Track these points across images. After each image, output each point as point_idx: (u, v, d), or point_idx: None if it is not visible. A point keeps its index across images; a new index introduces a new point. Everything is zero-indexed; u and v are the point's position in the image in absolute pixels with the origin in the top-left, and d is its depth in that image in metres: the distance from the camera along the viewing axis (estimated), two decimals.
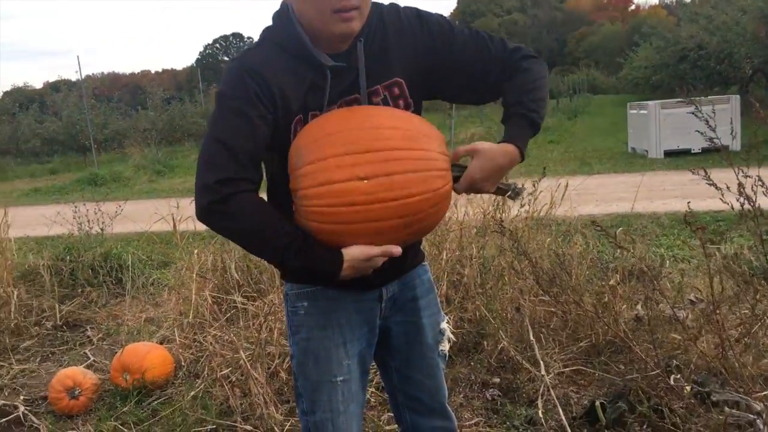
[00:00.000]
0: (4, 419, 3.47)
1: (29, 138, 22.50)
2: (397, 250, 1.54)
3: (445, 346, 1.88)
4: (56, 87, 31.85)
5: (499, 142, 1.61)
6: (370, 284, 1.71)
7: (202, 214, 1.51)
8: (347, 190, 1.44)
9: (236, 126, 1.51)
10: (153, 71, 65.93)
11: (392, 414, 2.93)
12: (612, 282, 3.38)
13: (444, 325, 1.89)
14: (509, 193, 1.65)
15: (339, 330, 1.72)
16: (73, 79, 26.45)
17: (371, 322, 1.78)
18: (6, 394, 3.84)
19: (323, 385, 1.72)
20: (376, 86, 1.62)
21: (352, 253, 1.52)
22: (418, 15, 1.67)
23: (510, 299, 3.59)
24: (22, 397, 3.73)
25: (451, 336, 1.91)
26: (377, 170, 1.44)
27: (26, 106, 26.36)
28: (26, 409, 3.54)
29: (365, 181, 1.43)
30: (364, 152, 1.45)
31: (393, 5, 1.69)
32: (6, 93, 29.51)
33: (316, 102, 1.57)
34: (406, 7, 1.68)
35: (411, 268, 1.82)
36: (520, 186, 1.66)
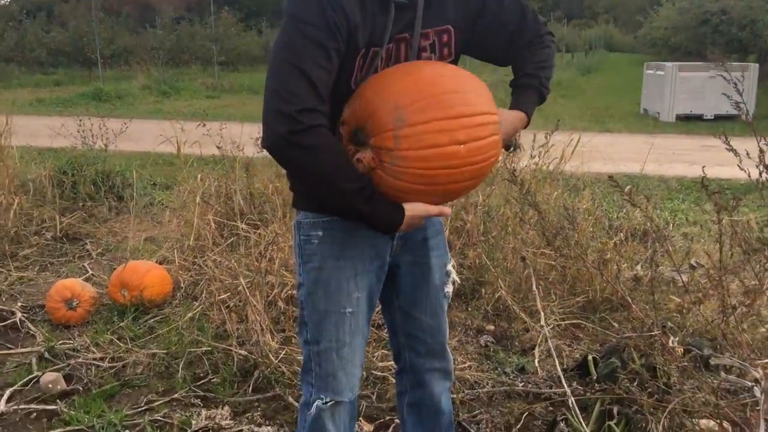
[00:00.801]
0: (1, 324, 3.51)
1: (35, 47, 22.13)
2: (448, 211, 1.64)
3: (450, 288, 1.90)
4: None
5: (512, 107, 1.73)
6: None
7: (276, 144, 1.43)
8: (448, 154, 1.48)
9: (315, 56, 1.43)
10: None
11: (386, 352, 2.97)
12: (615, 240, 3.38)
13: (450, 266, 1.90)
14: (511, 148, 1.79)
15: (351, 262, 1.71)
16: None
17: (383, 258, 1.77)
18: (3, 299, 3.88)
19: (331, 315, 1.72)
20: (428, 29, 1.60)
21: (415, 209, 1.55)
22: None
23: (512, 249, 3.60)
24: (19, 304, 3.77)
25: (456, 278, 1.93)
26: (471, 135, 1.50)
27: (33, 14, 25.87)
28: (23, 316, 3.58)
29: (462, 146, 1.48)
30: (459, 117, 1.49)
31: None
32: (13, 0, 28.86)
33: (377, 38, 1.54)
34: None
35: None
36: (516, 141, 1.79)
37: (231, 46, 24.99)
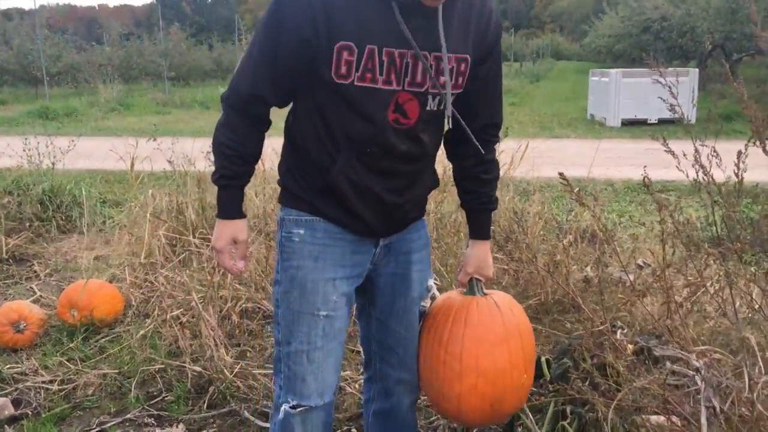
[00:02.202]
0: None
1: None
2: (240, 268, 1.78)
3: (427, 303, 1.90)
4: (8, 15, 30.47)
5: (477, 237, 1.93)
6: (372, 232, 1.73)
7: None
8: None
9: (265, 42, 1.59)
10: (111, 5, 63.41)
11: (344, 361, 2.97)
12: (565, 242, 3.44)
13: (431, 282, 1.91)
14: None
15: (331, 265, 1.71)
16: (26, 8, 25.27)
17: (362, 265, 1.78)
18: None
19: (305, 317, 1.71)
20: (450, 54, 1.60)
21: (221, 236, 1.73)
22: (496, 16, 1.72)
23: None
24: None
25: (437, 293, 1.92)
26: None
27: None
28: None
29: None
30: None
31: None
32: None
33: (377, 37, 1.52)
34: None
35: (412, 221, 1.83)
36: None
37: (181, 61, 24.77)
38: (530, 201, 4.22)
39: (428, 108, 1.63)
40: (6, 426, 2.71)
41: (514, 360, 1.83)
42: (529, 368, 1.90)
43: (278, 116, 1.73)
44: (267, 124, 1.70)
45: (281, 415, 1.76)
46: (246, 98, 1.61)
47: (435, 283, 1.92)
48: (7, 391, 2.98)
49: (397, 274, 1.83)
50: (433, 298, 1.91)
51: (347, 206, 1.68)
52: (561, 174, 2.33)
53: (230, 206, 1.72)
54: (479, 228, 1.92)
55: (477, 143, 1.74)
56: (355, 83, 1.54)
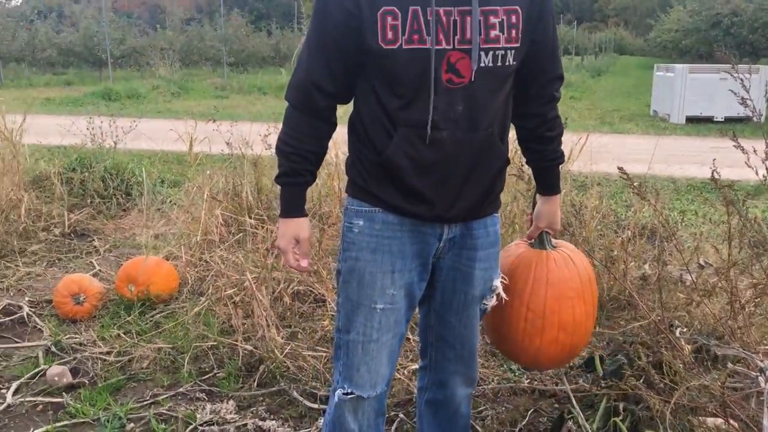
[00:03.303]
0: (8, 318, 3.53)
1: (46, 47, 22.24)
2: (305, 266, 1.80)
3: (491, 302, 1.85)
4: None
5: (547, 192, 1.94)
6: (436, 216, 1.68)
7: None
8: None
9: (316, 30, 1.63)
10: None
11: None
12: (623, 238, 3.36)
13: (497, 282, 1.84)
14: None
15: (390, 257, 1.69)
16: None
17: (425, 257, 1.74)
18: (11, 294, 3.90)
19: (362, 308, 1.71)
20: (496, 6, 1.56)
21: (285, 234, 1.75)
22: None
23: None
24: (27, 299, 3.78)
25: (504, 294, 1.86)
26: None
27: (44, 14, 26.01)
28: (30, 311, 3.60)
29: None
30: None
31: None
32: (25, 0, 28.99)
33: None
34: None
35: (483, 215, 1.77)
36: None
37: (240, 47, 25.08)
38: (588, 195, 4.13)
39: (482, 65, 1.57)
40: (64, 393, 2.79)
41: (589, 309, 1.97)
42: (596, 312, 2.08)
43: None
44: (330, 123, 1.70)
45: (335, 399, 1.77)
46: (305, 90, 1.62)
47: (502, 282, 1.86)
48: (66, 360, 3.08)
49: (458, 270, 1.78)
50: (499, 299, 1.86)
51: (407, 186, 1.63)
52: (621, 168, 2.27)
53: (291, 205, 1.74)
54: (549, 183, 1.93)
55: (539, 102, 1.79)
56: (403, 47, 1.53)
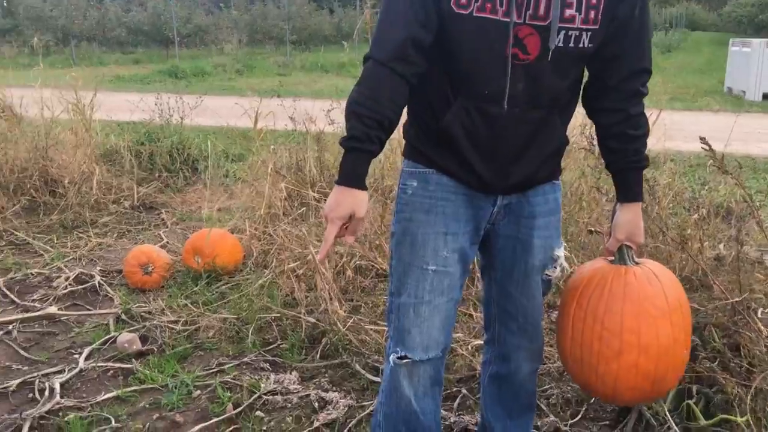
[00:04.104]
0: (81, 286, 3.64)
1: (115, 26, 22.84)
2: (350, 240, 1.61)
3: (554, 273, 1.78)
4: None
5: (627, 199, 1.74)
6: (488, 186, 1.64)
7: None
8: None
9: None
10: None
11: (456, 324, 2.94)
12: (696, 216, 3.22)
13: (559, 252, 1.77)
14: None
15: (443, 218, 1.66)
16: None
17: (478, 221, 1.70)
18: (84, 264, 4.02)
19: (414, 269, 1.68)
20: None
21: (339, 204, 1.54)
22: None
23: (586, 224, 3.49)
24: (98, 268, 3.90)
25: (566, 265, 1.78)
26: None
27: None
28: (102, 280, 3.71)
29: None
30: None
31: None
32: None
33: None
34: None
35: (539, 183, 1.71)
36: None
37: (302, 25, 25.20)
38: (660, 171, 3.98)
39: (551, 45, 1.49)
40: (134, 359, 2.87)
41: (678, 334, 1.70)
42: (689, 342, 1.78)
43: None
44: (410, 88, 1.57)
45: (390, 364, 1.75)
46: (400, 43, 1.50)
47: (565, 252, 1.79)
48: (135, 327, 3.16)
49: (517, 238, 1.73)
50: (562, 269, 1.78)
51: (460, 156, 1.61)
52: (703, 140, 2.16)
53: (353, 174, 1.53)
54: (629, 189, 1.74)
55: (621, 93, 1.62)
56: (474, 14, 1.48)
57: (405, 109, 1.64)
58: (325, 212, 1.57)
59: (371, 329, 2.95)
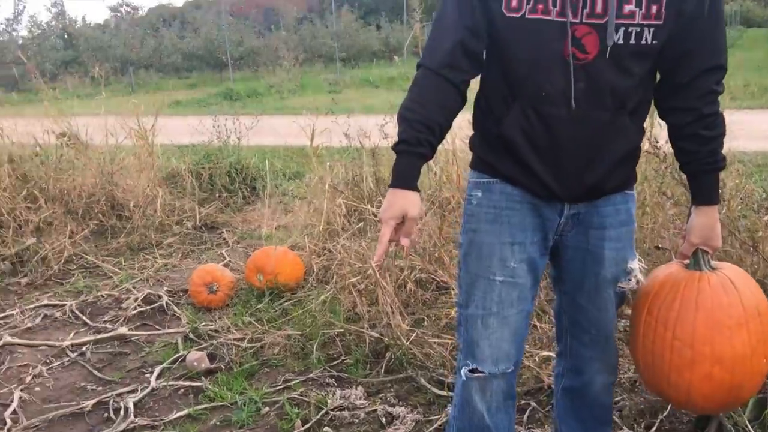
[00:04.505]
0: (149, 306, 3.74)
1: (171, 53, 23.53)
2: (406, 243, 1.60)
3: (629, 285, 1.72)
4: (197, 4, 32.92)
5: (702, 202, 1.66)
6: (553, 194, 1.61)
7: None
8: None
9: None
10: None
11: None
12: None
13: (633, 264, 1.71)
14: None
15: (509, 228, 1.64)
16: None
17: (546, 231, 1.68)
18: (151, 284, 4.13)
19: (481, 280, 1.67)
20: None
21: (392, 206, 1.55)
22: None
23: (650, 229, 3.40)
24: (165, 289, 4.00)
25: (641, 277, 1.73)
26: None
27: (169, 22, 27.49)
28: (169, 300, 3.80)
29: None
30: None
31: None
32: (150, 9, 30.75)
33: None
34: None
35: (609, 192, 1.66)
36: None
37: (350, 42, 25.49)
38: (728, 172, 3.86)
39: (609, 42, 1.46)
40: (203, 377, 2.93)
41: (756, 344, 1.63)
42: None
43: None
44: (462, 96, 1.59)
45: (462, 378, 1.74)
46: (449, 50, 1.53)
47: (639, 264, 1.73)
48: (203, 346, 3.22)
49: (587, 250, 1.69)
50: (637, 281, 1.72)
51: (522, 162, 1.58)
52: None
53: (404, 176, 1.56)
54: (704, 192, 1.66)
55: (694, 92, 1.56)
56: (527, 16, 1.47)
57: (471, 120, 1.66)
58: (379, 215, 1.61)
59: (435, 342, 2.93)
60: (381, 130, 4.62)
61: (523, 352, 1.78)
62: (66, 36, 26.55)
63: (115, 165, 5.23)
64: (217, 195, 5.69)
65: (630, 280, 1.73)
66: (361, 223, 4.02)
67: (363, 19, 29.65)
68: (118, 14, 24.56)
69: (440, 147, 4.06)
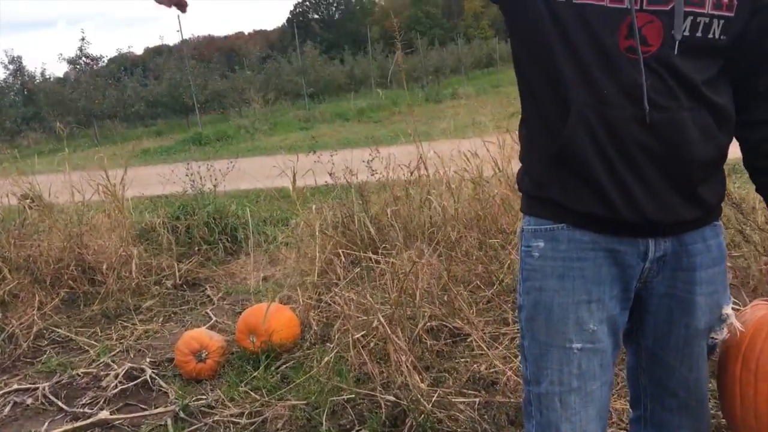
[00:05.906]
0: (132, 383, 3.36)
1: (135, 101, 23.12)
2: None
3: (721, 336, 1.45)
4: (158, 51, 32.67)
5: None
6: (634, 229, 1.31)
7: None
8: None
9: None
10: (246, 32, 66.73)
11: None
12: None
13: (728, 309, 1.43)
14: None
15: (583, 283, 1.34)
16: (171, 43, 26.96)
17: (627, 282, 1.37)
18: (132, 355, 3.75)
19: (554, 350, 1.36)
20: None
21: None
22: None
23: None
24: (148, 360, 3.62)
25: (738, 325, 1.44)
26: None
27: (130, 71, 27.12)
28: (153, 372, 3.43)
29: None
30: None
31: None
32: (111, 59, 30.35)
33: None
34: None
35: (697, 226, 1.38)
36: None
37: (316, 77, 25.39)
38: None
39: (677, 35, 1.22)
40: None
41: None
42: None
43: None
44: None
45: None
46: None
47: (733, 311, 1.45)
48: (196, 426, 2.86)
49: (674, 296, 1.40)
50: (731, 330, 1.44)
51: (591, 178, 1.28)
52: None
53: None
54: None
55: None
56: (575, 1, 1.22)
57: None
58: None
59: (461, 402, 2.61)
60: (368, 165, 4.34)
61: (606, 429, 1.46)
62: (25, 92, 26.03)
63: (83, 225, 4.85)
64: (196, 249, 5.31)
65: (723, 329, 1.44)
66: (357, 269, 3.69)
67: (326, 53, 29.64)
68: (78, 66, 23.94)
69: (433, 178, 3.68)
